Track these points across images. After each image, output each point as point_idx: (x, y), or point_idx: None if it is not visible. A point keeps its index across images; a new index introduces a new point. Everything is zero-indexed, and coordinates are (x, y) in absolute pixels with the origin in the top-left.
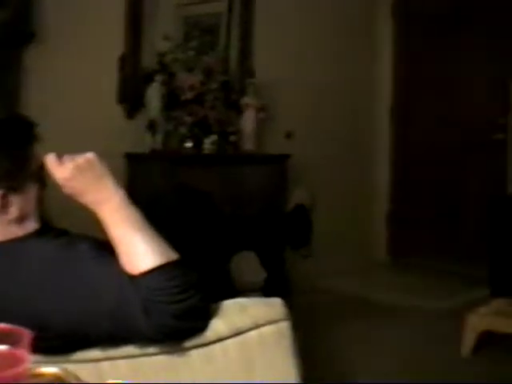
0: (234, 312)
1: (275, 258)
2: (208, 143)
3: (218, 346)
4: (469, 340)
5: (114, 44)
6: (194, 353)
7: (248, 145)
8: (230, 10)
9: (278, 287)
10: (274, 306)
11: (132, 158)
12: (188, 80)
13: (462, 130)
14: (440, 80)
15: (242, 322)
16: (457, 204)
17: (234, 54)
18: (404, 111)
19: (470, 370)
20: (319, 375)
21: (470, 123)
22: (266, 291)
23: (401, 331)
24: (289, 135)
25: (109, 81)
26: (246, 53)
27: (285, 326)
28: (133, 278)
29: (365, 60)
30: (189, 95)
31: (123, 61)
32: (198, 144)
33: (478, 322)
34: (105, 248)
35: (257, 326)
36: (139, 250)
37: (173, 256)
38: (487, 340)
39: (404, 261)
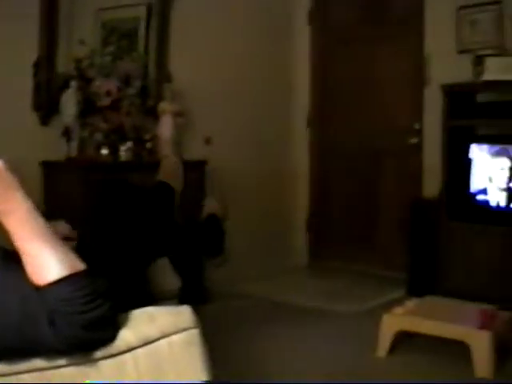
0: (142, 321)
1: (192, 265)
2: (123, 150)
3: (128, 355)
4: (384, 340)
5: (29, 48)
6: (104, 363)
7: (165, 151)
8: (148, 14)
9: (196, 294)
10: (182, 315)
11: (47, 166)
12: (104, 86)
13: (379, 135)
14: (357, 86)
15: (151, 331)
16: (375, 207)
17: (152, 59)
18: (321, 118)
19: (385, 370)
20: (236, 378)
21: (387, 128)
22: (183, 299)
23: (320, 333)
24: (208, 141)
25: (23, 86)
26: (163, 58)
27: (194, 334)
28: (39, 289)
29: (282, 66)
30: (105, 101)
31: (38, 66)
32: (114, 151)
33: (393, 322)
34: (11, 258)
35: (166, 335)
36: (45, 261)
37: (79, 266)
38: (404, 340)
39: (324, 264)
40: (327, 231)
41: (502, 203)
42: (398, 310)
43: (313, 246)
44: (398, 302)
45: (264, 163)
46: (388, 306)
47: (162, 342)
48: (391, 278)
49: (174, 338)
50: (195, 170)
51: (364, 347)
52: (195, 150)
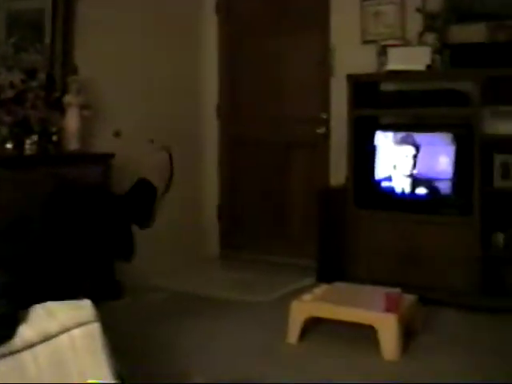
0: (41, 317)
1: (104, 260)
2: (29, 144)
3: (27, 353)
4: (294, 327)
5: None
6: (3, 363)
7: (72, 144)
8: (54, 4)
9: (108, 289)
10: (82, 309)
11: None
12: (8, 78)
13: (288, 126)
14: (265, 77)
15: (51, 326)
16: (285, 196)
17: (58, 50)
18: (231, 108)
19: (295, 356)
20: (150, 372)
21: (295, 118)
22: (95, 294)
23: (232, 324)
24: (117, 134)
25: None
26: (68, 49)
27: (95, 328)
28: None
29: (190, 56)
30: (8, 94)
31: None
32: (19, 145)
33: (302, 309)
34: None
35: (66, 330)
36: None
37: None
38: (315, 326)
39: (235, 255)
40: (238, 221)
41: (407, 190)
42: (307, 296)
43: (224, 237)
44: (309, 289)
45: (173, 154)
46: (299, 294)
47: (63, 337)
48: (302, 267)
49: (75, 332)
50: (101, 163)
51: (276, 335)
52: (104, 143)
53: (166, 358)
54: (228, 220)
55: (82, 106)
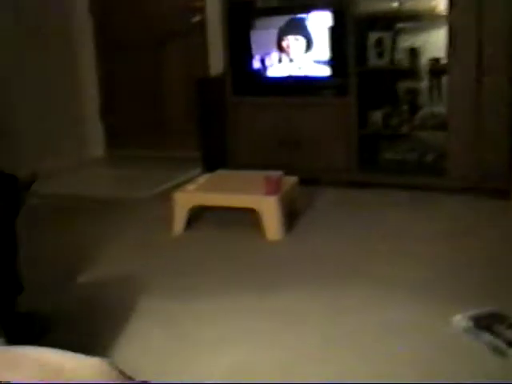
0: None
1: None
2: None
3: None
4: (179, 218)
5: None
6: None
7: None
8: None
9: None
10: None
11: None
12: None
13: (161, 17)
14: None
15: None
16: (164, 91)
17: None
18: (104, 4)
19: (179, 247)
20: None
21: (169, 9)
22: None
23: (119, 221)
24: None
25: None
26: None
27: None
28: None
29: None
30: None
31: None
32: None
33: (185, 198)
34: None
35: None
36: None
37: None
38: (202, 216)
39: (121, 154)
40: (121, 120)
41: (284, 74)
42: (190, 186)
43: (108, 137)
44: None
45: (48, 63)
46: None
47: None
48: (188, 159)
49: None
50: None
51: (162, 227)
52: None
53: (60, 262)
54: (110, 120)
55: None
